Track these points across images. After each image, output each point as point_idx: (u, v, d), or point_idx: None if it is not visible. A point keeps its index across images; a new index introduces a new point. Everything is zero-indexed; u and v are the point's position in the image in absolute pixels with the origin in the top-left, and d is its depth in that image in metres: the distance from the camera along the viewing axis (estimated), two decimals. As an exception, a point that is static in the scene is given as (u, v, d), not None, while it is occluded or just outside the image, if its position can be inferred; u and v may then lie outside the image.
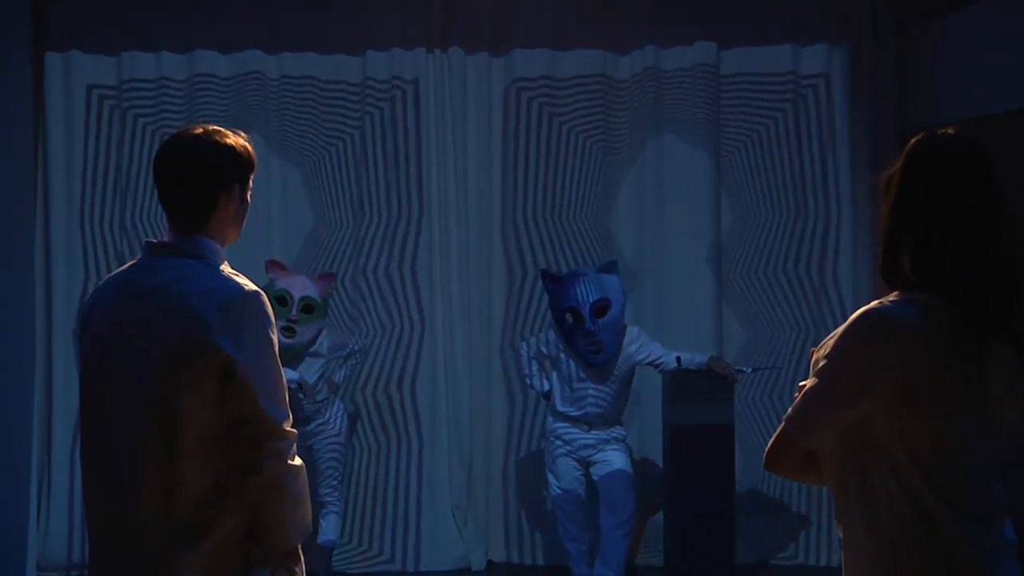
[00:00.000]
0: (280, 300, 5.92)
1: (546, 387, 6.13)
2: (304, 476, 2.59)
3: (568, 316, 5.90)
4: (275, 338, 2.58)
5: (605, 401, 5.93)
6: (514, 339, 6.82)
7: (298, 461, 2.57)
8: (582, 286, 5.86)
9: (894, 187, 2.19)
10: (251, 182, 2.68)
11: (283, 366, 6.16)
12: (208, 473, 2.49)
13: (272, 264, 6.14)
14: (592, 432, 5.94)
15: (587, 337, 5.79)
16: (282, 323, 5.87)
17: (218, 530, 2.49)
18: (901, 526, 2.09)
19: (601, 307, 5.83)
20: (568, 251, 6.82)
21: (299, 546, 2.61)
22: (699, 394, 5.85)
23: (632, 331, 5.99)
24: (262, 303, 2.55)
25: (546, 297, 6.26)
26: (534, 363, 6.15)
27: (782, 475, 2.32)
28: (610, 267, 6.03)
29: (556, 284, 6.01)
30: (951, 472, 2.09)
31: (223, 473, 2.50)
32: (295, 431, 2.57)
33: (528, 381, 6.22)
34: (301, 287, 6.05)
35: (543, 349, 6.10)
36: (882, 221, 2.21)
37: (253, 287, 2.57)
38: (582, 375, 5.94)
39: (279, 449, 2.50)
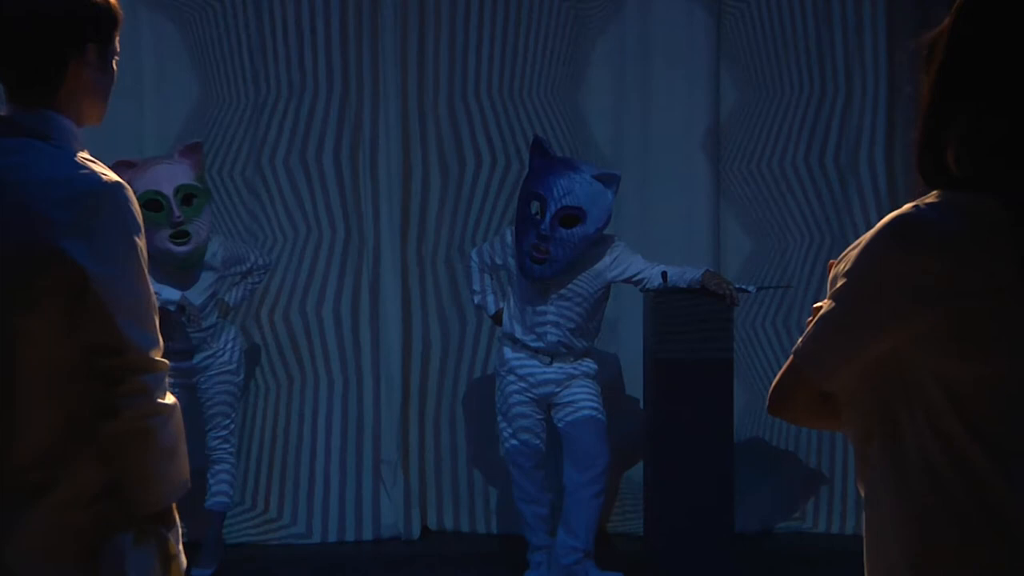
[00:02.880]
0: (153, 205, 5.77)
1: (496, 307, 6.10)
2: (178, 418, 2.58)
3: (535, 203, 5.83)
4: (142, 244, 2.54)
5: (571, 326, 5.90)
6: (451, 249, 6.84)
7: (170, 399, 2.57)
8: (566, 181, 5.77)
9: (939, 53, 2.10)
10: (116, 45, 2.66)
11: (172, 282, 6.08)
12: (55, 418, 2.49)
13: (120, 165, 5.69)
14: (555, 365, 5.93)
15: (537, 239, 5.73)
16: (170, 231, 5.81)
17: (64, 488, 2.49)
18: (939, 489, 2.05)
19: (572, 217, 5.74)
20: (526, 138, 6.69)
21: (173, 507, 2.61)
22: (690, 320, 5.84)
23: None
24: (126, 199, 2.52)
25: (495, 199, 6.19)
26: (487, 277, 6.13)
27: (790, 420, 2.27)
28: (609, 179, 5.91)
29: (542, 160, 5.91)
30: (1006, 423, 2.04)
31: (74, 417, 2.49)
32: (166, 362, 2.56)
33: (475, 299, 6.19)
34: (169, 177, 5.92)
35: (495, 259, 6.07)
36: (922, 99, 2.12)
37: (115, 178, 2.54)
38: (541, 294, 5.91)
39: (144, 384, 2.49)
